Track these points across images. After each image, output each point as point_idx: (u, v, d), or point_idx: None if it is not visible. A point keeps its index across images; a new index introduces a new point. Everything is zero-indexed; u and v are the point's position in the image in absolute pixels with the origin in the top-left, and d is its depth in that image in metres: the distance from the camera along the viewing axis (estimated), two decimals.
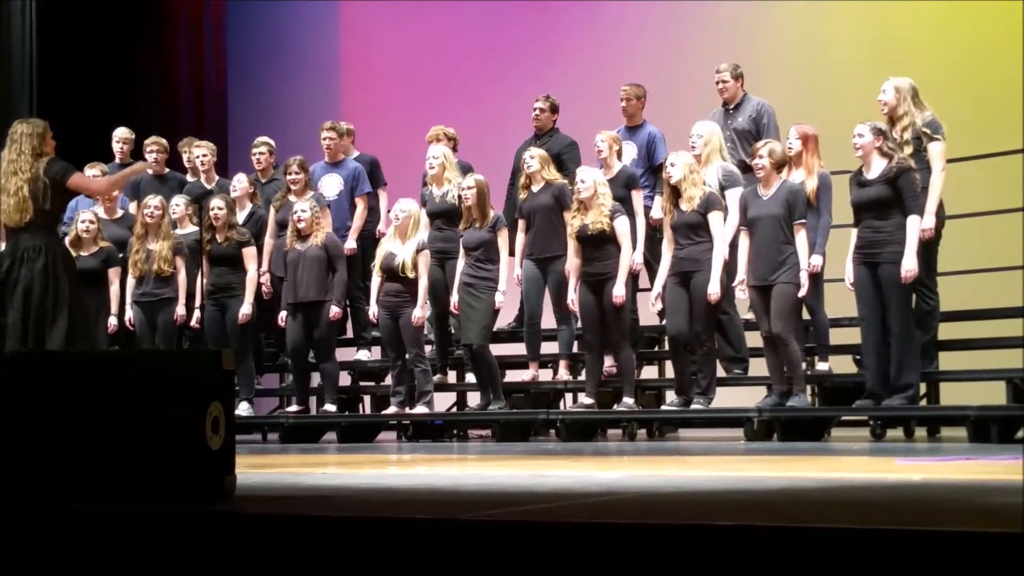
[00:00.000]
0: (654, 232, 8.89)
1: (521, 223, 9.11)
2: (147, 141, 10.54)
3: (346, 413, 9.88)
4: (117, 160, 10.60)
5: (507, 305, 9.29)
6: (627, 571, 2.64)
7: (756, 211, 7.96)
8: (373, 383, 10.37)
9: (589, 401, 8.64)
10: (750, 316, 8.59)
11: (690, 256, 8.23)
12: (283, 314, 9.58)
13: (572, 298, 8.63)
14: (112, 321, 9.52)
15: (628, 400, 8.53)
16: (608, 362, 8.80)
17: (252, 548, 3.06)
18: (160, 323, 9.53)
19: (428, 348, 9.52)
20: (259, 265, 9.69)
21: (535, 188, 9.01)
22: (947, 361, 8.54)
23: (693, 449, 7.85)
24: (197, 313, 9.48)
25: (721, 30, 11.61)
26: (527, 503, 3.54)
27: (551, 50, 12.45)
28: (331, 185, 10.03)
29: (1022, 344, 8.04)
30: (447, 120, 10.24)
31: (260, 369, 10.25)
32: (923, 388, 8.09)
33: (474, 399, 9.48)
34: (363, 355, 10.26)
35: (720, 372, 8.56)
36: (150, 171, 10.31)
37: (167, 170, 10.56)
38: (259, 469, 5.48)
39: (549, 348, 9.33)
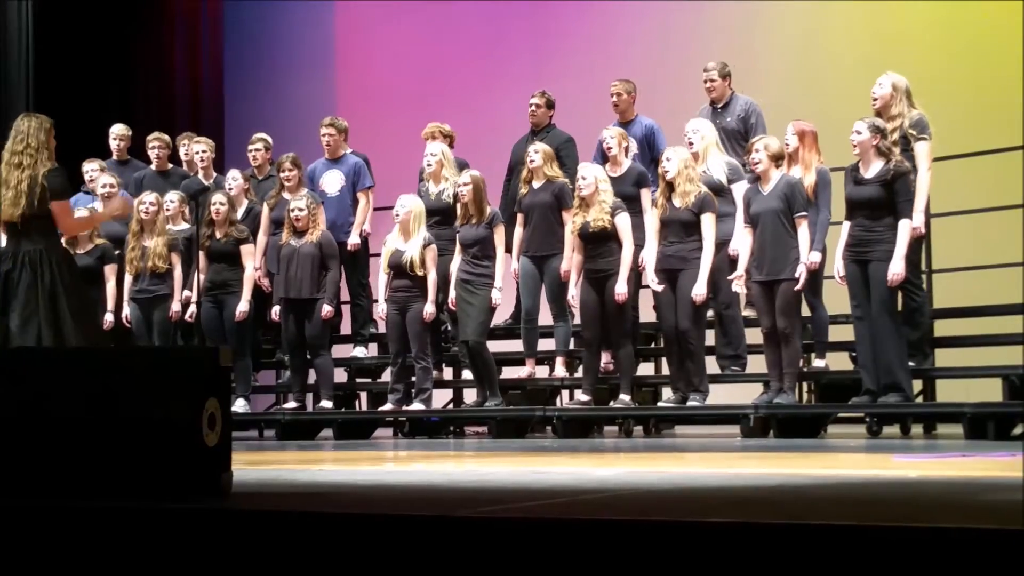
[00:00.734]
0: None
1: (519, 218, 9.12)
2: (149, 137, 10.54)
3: (343, 410, 9.89)
4: (114, 156, 10.60)
5: (504, 302, 9.29)
6: (624, 568, 2.64)
7: (757, 207, 7.97)
8: (370, 380, 10.37)
9: (586, 398, 8.64)
10: (748, 313, 8.59)
11: (677, 254, 8.23)
12: (276, 308, 9.58)
13: (572, 294, 8.62)
14: (108, 318, 9.51)
15: (625, 397, 8.54)
16: (605, 358, 8.80)
17: (249, 545, 3.06)
18: (156, 320, 9.53)
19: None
20: (255, 262, 9.68)
21: (536, 184, 9.01)
22: (943, 358, 8.56)
23: (690, 446, 7.86)
24: (192, 308, 9.48)
25: (717, 27, 11.62)
26: (524, 500, 3.54)
27: (547, 46, 12.45)
28: (332, 181, 10.02)
29: (1018, 341, 8.05)
30: (443, 117, 10.24)
31: (256, 366, 10.25)
32: (919, 385, 8.09)
33: (471, 396, 9.49)
34: (360, 352, 10.26)
35: (717, 369, 8.56)
36: (152, 166, 10.33)
37: (170, 166, 10.56)
38: (256, 466, 5.48)
39: (546, 345, 9.33)
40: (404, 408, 9.24)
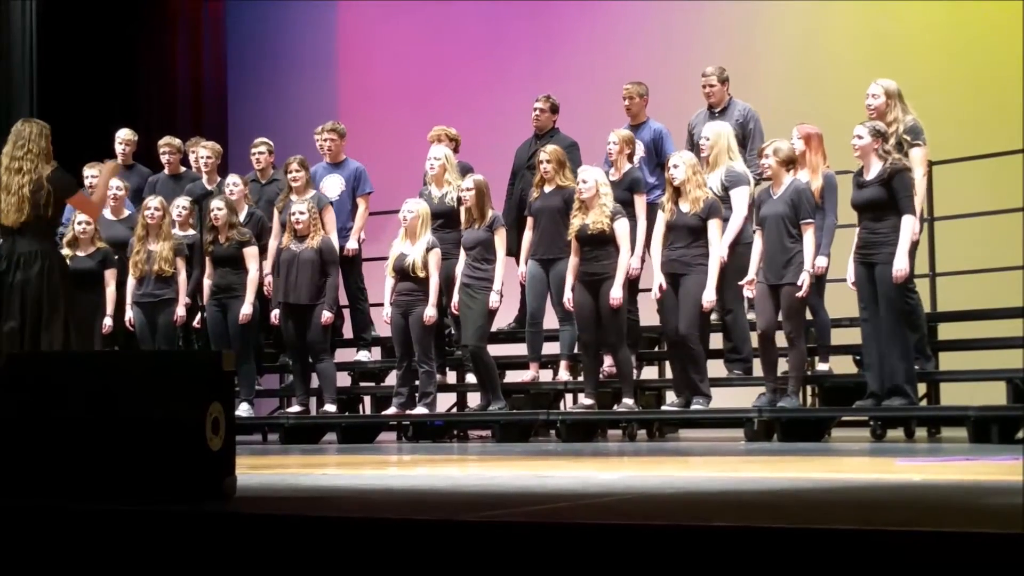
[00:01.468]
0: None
1: (529, 221, 9.11)
2: (160, 141, 10.55)
3: (346, 414, 9.88)
4: (119, 161, 10.59)
5: (508, 305, 9.28)
6: (628, 572, 2.64)
7: (765, 211, 7.98)
8: (373, 384, 10.37)
9: (589, 402, 8.64)
10: (752, 316, 8.58)
11: (681, 258, 8.23)
12: (275, 312, 9.58)
13: (568, 296, 8.63)
14: (107, 322, 9.51)
15: (628, 401, 8.54)
16: (608, 362, 8.80)
17: (252, 549, 3.06)
18: (160, 324, 9.53)
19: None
20: (260, 265, 9.68)
21: (547, 189, 9.01)
22: (947, 361, 8.55)
23: (693, 450, 7.85)
24: (199, 314, 9.48)
25: (719, 30, 11.62)
26: (527, 504, 3.54)
27: (551, 49, 12.45)
28: (332, 186, 10.02)
29: (1022, 344, 8.04)
30: (446, 120, 10.24)
31: (260, 370, 10.25)
32: (923, 388, 8.09)
33: (474, 400, 9.49)
34: (363, 356, 10.26)
35: (722, 372, 8.55)
36: (165, 170, 10.34)
37: (183, 169, 10.55)
38: (259, 470, 5.48)
39: (551, 348, 9.33)
40: (408, 412, 9.24)
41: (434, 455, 7.62)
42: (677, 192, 8.24)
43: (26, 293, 6.55)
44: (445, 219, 9.40)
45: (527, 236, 9.12)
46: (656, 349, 9.63)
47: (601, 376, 8.78)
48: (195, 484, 3.66)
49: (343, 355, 10.16)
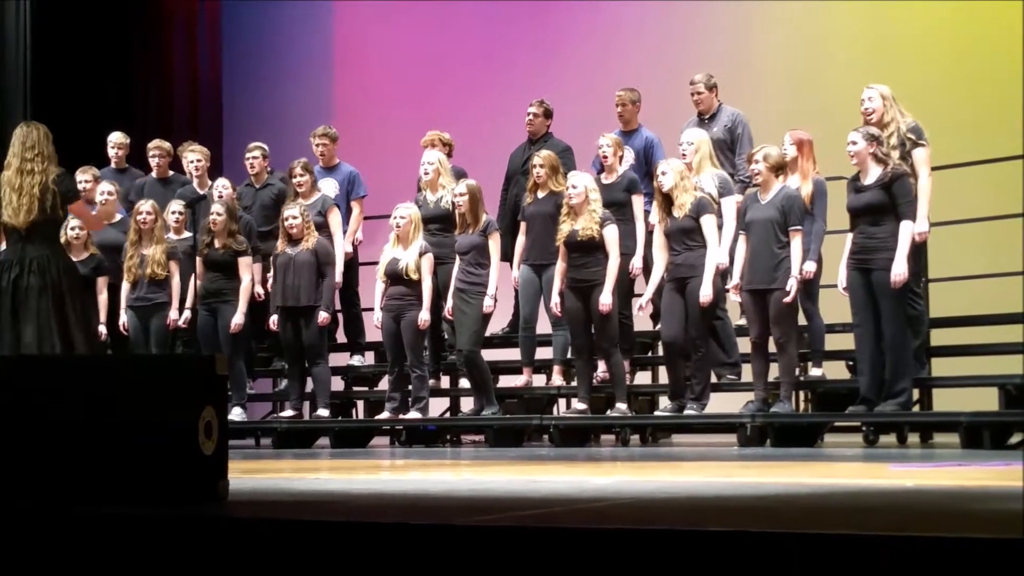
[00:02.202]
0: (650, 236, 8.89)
1: (522, 226, 9.12)
2: (150, 145, 10.52)
3: (339, 418, 9.88)
4: (112, 165, 10.58)
5: (502, 310, 9.28)
6: None
7: (752, 215, 7.99)
8: (367, 388, 10.37)
9: (582, 406, 8.65)
10: (741, 322, 8.60)
11: (686, 262, 8.24)
12: (273, 317, 9.58)
13: (555, 301, 8.63)
14: (100, 329, 9.50)
15: (621, 406, 8.54)
16: (601, 367, 8.81)
17: (245, 553, 3.06)
18: (153, 327, 9.53)
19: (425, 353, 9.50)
20: (252, 274, 9.67)
21: (540, 194, 9.01)
22: (940, 367, 8.57)
23: (686, 455, 7.86)
24: (187, 314, 9.48)
25: (716, 35, 11.63)
26: (520, 508, 3.54)
27: (546, 54, 12.46)
28: (327, 189, 10.02)
29: (1015, 350, 8.06)
30: (441, 123, 10.24)
31: (252, 374, 10.24)
32: (916, 394, 8.10)
33: (467, 404, 9.48)
34: (357, 360, 10.26)
35: (713, 378, 8.56)
36: (153, 173, 10.34)
37: (171, 173, 10.54)
38: (252, 474, 5.48)
39: (544, 353, 9.33)
40: (401, 416, 9.24)
41: (427, 459, 7.62)
42: (667, 200, 8.25)
43: (44, 298, 6.55)
44: (440, 224, 9.40)
45: (519, 241, 9.13)
46: (649, 354, 9.63)
47: (594, 381, 8.79)
48: (188, 488, 3.65)
49: (336, 359, 10.16)
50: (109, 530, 3.24)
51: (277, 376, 10.44)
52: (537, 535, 2.86)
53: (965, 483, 4.45)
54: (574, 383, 8.98)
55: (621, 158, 9.09)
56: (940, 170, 8.62)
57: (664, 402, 8.66)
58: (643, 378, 9.60)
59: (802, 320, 8.22)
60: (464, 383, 9.53)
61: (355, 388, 10.40)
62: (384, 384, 9.66)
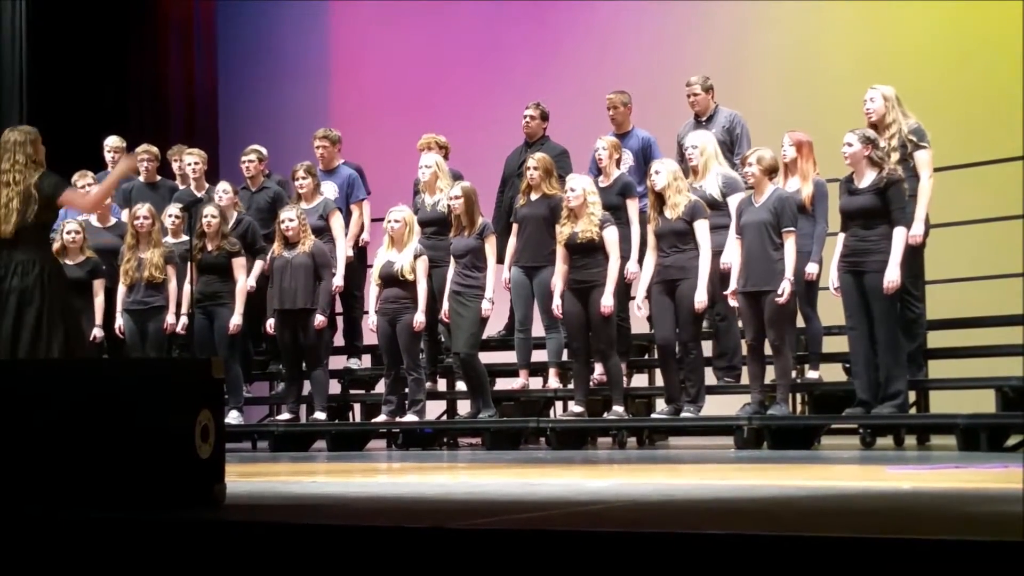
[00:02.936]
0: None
1: (514, 228, 9.12)
2: (138, 149, 10.49)
3: (336, 421, 9.87)
4: (109, 168, 10.56)
5: (497, 313, 9.28)
6: None
7: (747, 218, 7.99)
8: (363, 391, 10.36)
9: (579, 409, 8.64)
10: (742, 324, 8.59)
11: (676, 264, 8.23)
12: (271, 321, 9.58)
13: (557, 304, 8.63)
14: (96, 332, 9.49)
15: (618, 408, 8.53)
16: (598, 370, 8.81)
17: (242, 556, 3.05)
18: (150, 331, 9.52)
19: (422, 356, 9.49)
20: (248, 275, 9.66)
21: (533, 196, 9.01)
22: (937, 369, 8.56)
23: (683, 457, 7.85)
24: (184, 320, 9.47)
25: (712, 37, 11.63)
26: (517, 511, 3.53)
27: (543, 57, 12.46)
28: (326, 192, 10.00)
29: (1011, 352, 8.06)
30: (437, 126, 10.23)
31: (249, 377, 10.23)
32: (913, 396, 8.10)
33: (464, 407, 9.48)
34: (354, 363, 10.26)
35: (711, 380, 8.56)
36: (140, 177, 10.30)
37: (159, 177, 10.53)
38: (249, 477, 5.47)
39: (539, 356, 9.33)
40: (397, 420, 9.23)
41: (424, 463, 7.62)
42: (660, 199, 8.25)
43: (25, 300, 6.53)
44: (438, 227, 9.40)
45: (511, 243, 9.12)
46: (646, 357, 9.63)
47: (591, 383, 8.78)
48: (185, 491, 3.65)
49: (333, 362, 10.14)
50: (105, 534, 3.23)
51: (274, 379, 10.43)
52: (534, 538, 2.85)
53: (962, 485, 4.45)
54: (571, 385, 8.98)
55: (618, 161, 9.09)
56: (938, 171, 8.62)
57: (661, 405, 8.66)
58: (640, 381, 9.60)
59: (800, 323, 8.22)
60: (461, 386, 9.52)
61: (352, 391, 10.39)
62: (381, 387, 9.65)
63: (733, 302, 8.18)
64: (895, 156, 7.76)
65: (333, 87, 13.75)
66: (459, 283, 8.96)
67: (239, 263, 9.59)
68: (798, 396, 8.66)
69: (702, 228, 8.19)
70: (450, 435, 9.81)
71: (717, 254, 8.33)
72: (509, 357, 9.45)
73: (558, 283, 8.63)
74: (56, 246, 9.22)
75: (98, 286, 9.57)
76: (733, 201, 8.43)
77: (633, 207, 8.91)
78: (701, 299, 8.12)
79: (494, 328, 9.69)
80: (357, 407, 10.32)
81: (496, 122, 11.34)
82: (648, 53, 11.85)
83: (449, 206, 9.11)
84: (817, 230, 8.12)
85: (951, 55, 10.66)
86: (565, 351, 9.17)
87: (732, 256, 8.18)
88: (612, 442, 8.98)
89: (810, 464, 6.45)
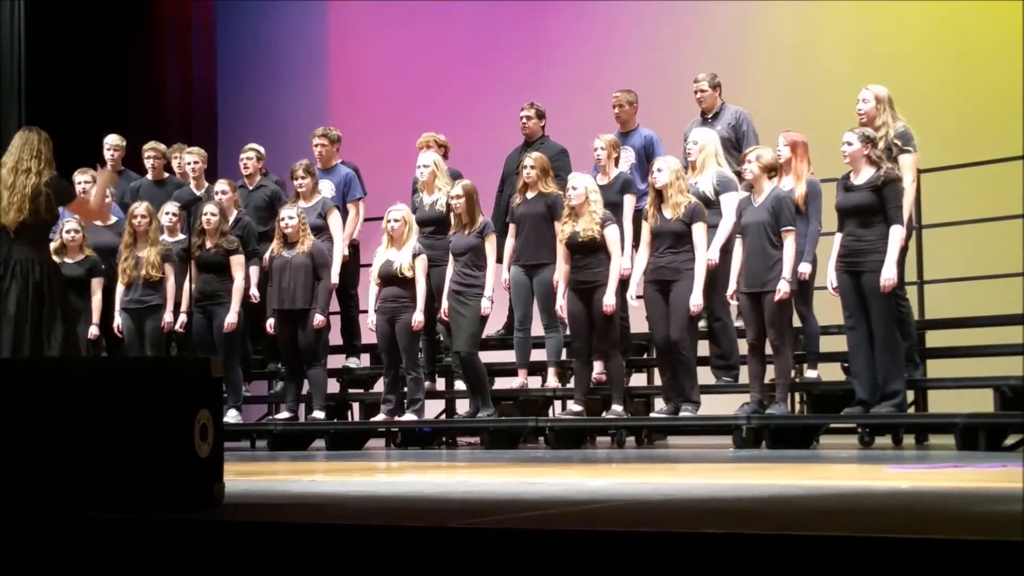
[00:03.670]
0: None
1: (512, 228, 9.12)
2: (145, 147, 10.50)
3: (335, 420, 9.87)
4: (108, 167, 10.55)
5: (496, 312, 9.28)
6: None
7: (747, 218, 8.00)
8: (362, 390, 10.36)
9: (578, 408, 8.64)
10: (740, 324, 8.60)
11: (670, 265, 8.23)
12: (270, 321, 9.57)
13: (560, 304, 8.63)
14: (93, 330, 9.49)
15: (617, 407, 8.53)
16: (597, 369, 8.80)
17: (241, 556, 3.05)
18: (148, 330, 9.52)
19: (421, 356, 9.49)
20: (246, 273, 9.66)
21: (530, 195, 9.02)
22: (935, 369, 8.57)
23: (682, 456, 7.86)
24: (183, 318, 9.47)
25: (710, 37, 11.63)
26: (516, 511, 3.54)
27: (541, 56, 12.46)
28: (324, 191, 10.00)
29: (1009, 352, 8.07)
30: (436, 126, 10.23)
31: (248, 376, 10.23)
32: (911, 396, 8.11)
33: (463, 406, 9.48)
34: (352, 362, 10.26)
35: (709, 379, 8.56)
36: (148, 175, 10.31)
37: (166, 175, 10.51)
38: (248, 476, 5.48)
39: (538, 355, 9.33)
40: (396, 419, 9.23)
41: (422, 462, 7.62)
42: (660, 197, 8.25)
43: (23, 299, 6.54)
44: (437, 226, 9.40)
45: (509, 242, 9.12)
46: (645, 356, 9.63)
47: (590, 383, 8.78)
48: (183, 491, 3.65)
49: (332, 361, 10.14)
50: (104, 534, 3.23)
51: (272, 378, 10.43)
52: (533, 537, 2.86)
53: (961, 485, 4.46)
54: (570, 385, 8.98)
55: (617, 160, 9.09)
56: (936, 172, 8.64)
57: (660, 404, 8.66)
58: (639, 380, 9.60)
59: (796, 322, 8.22)
60: (459, 385, 9.52)
61: (351, 390, 10.39)
62: (379, 386, 9.65)
63: (733, 303, 8.18)
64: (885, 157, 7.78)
65: (331, 86, 13.75)
66: (459, 282, 8.96)
67: (237, 261, 9.58)
68: (796, 396, 8.66)
69: (700, 231, 8.19)
70: (449, 434, 9.81)
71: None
72: (508, 356, 9.45)
73: (560, 283, 8.63)
74: (55, 244, 9.23)
75: (96, 285, 9.57)
76: (725, 200, 8.44)
77: (629, 202, 8.91)
78: (696, 302, 8.12)
79: (493, 327, 9.69)
80: (356, 406, 10.32)
81: (495, 122, 11.33)
82: (647, 52, 11.85)
83: (449, 204, 9.11)
84: (810, 229, 8.12)
85: (949, 55, 10.66)
86: (564, 350, 9.17)
87: (715, 253, 8.20)
88: (611, 441, 8.98)
89: (808, 463, 6.46)
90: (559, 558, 2.72)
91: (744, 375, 8.34)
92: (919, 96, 9.50)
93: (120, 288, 9.56)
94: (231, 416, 9.47)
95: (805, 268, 8.03)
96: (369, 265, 9.66)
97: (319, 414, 9.56)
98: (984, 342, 8.48)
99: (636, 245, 8.85)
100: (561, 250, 8.62)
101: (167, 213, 9.76)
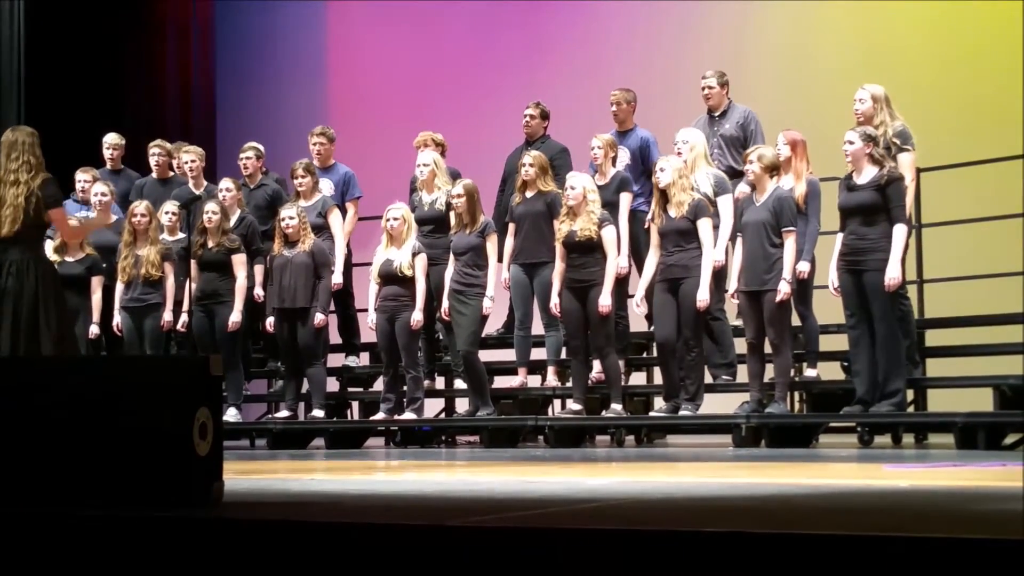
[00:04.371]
0: (642, 234, 8.88)
1: (511, 227, 9.12)
2: (150, 145, 10.49)
3: (334, 419, 9.87)
4: (108, 166, 10.56)
5: (496, 311, 9.28)
6: None
7: (747, 217, 8.00)
8: (362, 389, 10.36)
9: (577, 407, 8.64)
10: (738, 323, 8.60)
11: (679, 263, 8.23)
12: (270, 320, 9.57)
13: (555, 302, 8.63)
14: (93, 329, 9.49)
15: (616, 406, 8.53)
16: (597, 368, 8.81)
17: (240, 554, 3.05)
18: (148, 329, 9.51)
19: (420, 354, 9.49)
20: (247, 272, 9.66)
21: (529, 194, 9.02)
22: (935, 368, 8.57)
23: (681, 455, 7.86)
24: (184, 317, 9.46)
25: (709, 36, 11.64)
26: (515, 509, 3.54)
27: (541, 55, 12.46)
28: (323, 190, 9.99)
29: (1009, 351, 8.07)
30: (436, 126, 10.23)
31: (248, 375, 10.23)
32: (911, 395, 8.11)
33: (463, 405, 9.48)
34: (352, 361, 10.26)
35: (708, 378, 8.56)
36: (153, 174, 10.31)
37: (171, 173, 10.50)
38: (247, 475, 5.48)
39: (538, 354, 9.33)
40: (396, 417, 9.23)
41: (422, 460, 7.62)
42: (664, 197, 8.25)
43: (18, 300, 6.54)
44: (435, 225, 9.40)
45: (508, 241, 9.12)
46: (644, 355, 9.63)
47: (589, 382, 8.79)
48: (183, 489, 3.65)
49: (331, 360, 10.14)
50: (103, 532, 3.23)
51: (272, 377, 10.43)
52: (532, 536, 2.86)
53: (960, 484, 4.46)
54: (569, 384, 8.98)
55: (614, 159, 9.09)
56: (936, 171, 8.64)
57: (659, 403, 8.66)
58: (638, 379, 9.60)
59: (795, 321, 8.22)
60: (459, 384, 9.52)
61: (350, 389, 10.39)
62: (379, 385, 9.65)
63: (734, 301, 8.18)
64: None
65: (330, 85, 13.75)
66: (460, 281, 8.96)
67: (239, 260, 9.58)
68: (796, 394, 8.66)
69: (705, 226, 8.19)
70: (448, 433, 9.81)
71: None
72: (508, 355, 9.45)
73: (556, 281, 8.64)
74: (57, 242, 9.23)
75: (96, 283, 9.57)
76: (722, 202, 8.45)
77: (625, 201, 8.91)
78: (703, 298, 8.13)
79: (493, 326, 9.69)
80: (355, 405, 10.31)
81: (495, 121, 11.34)
82: (647, 52, 11.85)
83: (450, 203, 9.11)
84: (809, 228, 8.12)
85: (949, 54, 10.66)
86: (564, 349, 9.17)
87: (720, 255, 8.22)
88: (610, 440, 8.98)
89: (808, 462, 6.46)
90: (559, 557, 2.72)
91: (743, 374, 8.35)
92: (919, 94, 9.51)
93: (120, 287, 9.55)
94: (231, 415, 9.47)
95: (804, 267, 8.03)
96: (362, 264, 9.66)
97: (319, 413, 9.56)
98: (984, 341, 8.48)
99: (631, 244, 8.86)
100: (558, 249, 8.62)
101: (167, 212, 9.76)
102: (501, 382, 9.52)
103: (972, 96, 10.33)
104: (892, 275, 7.51)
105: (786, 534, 2.64)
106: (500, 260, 9.16)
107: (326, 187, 10.02)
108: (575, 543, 2.76)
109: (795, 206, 7.99)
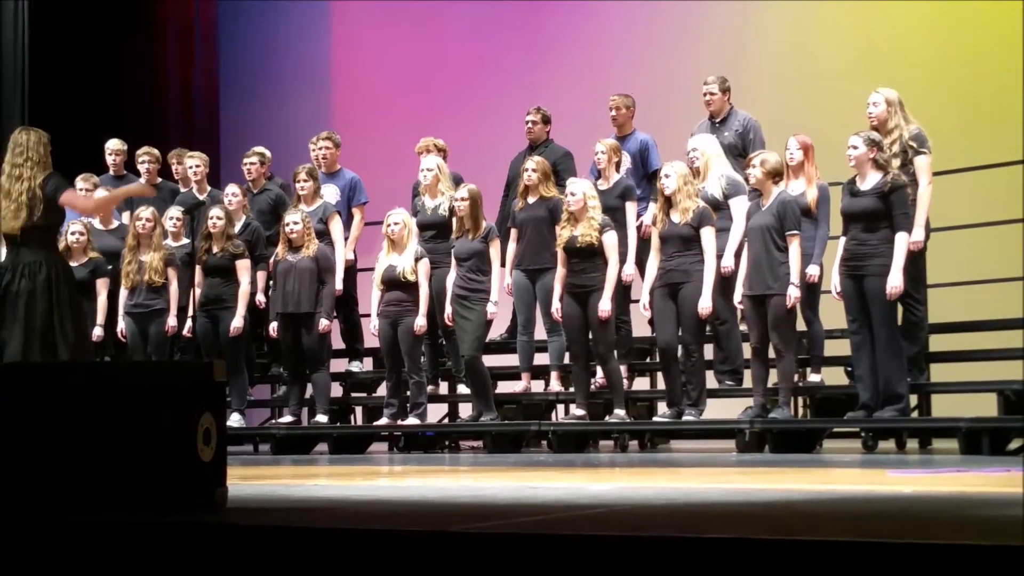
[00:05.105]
0: (645, 243, 8.88)
1: (513, 232, 9.12)
2: (139, 151, 10.51)
3: (338, 424, 9.87)
4: (111, 172, 10.57)
5: (499, 316, 9.28)
6: None
7: (752, 222, 7.99)
8: (365, 394, 10.36)
9: (581, 412, 8.64)
10: (744, 328, 8.59)
11: (679, 268, 8.24)
12: (273, 324, 9.58)
13: (556, 307, 8.64)
14: (97, 331, 9.50)
15: (619, 411, 8.53)
16: (599, 373, 8.81)
17: (244, 560, 3.05)
18: (152, 334, 9.53)
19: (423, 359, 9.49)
20: (251, 278, 9.66)
21: (531, 199, 9.02)
22: (939, 373, 8.56)
23: (685, 461, 7.85)
24: (189, 323, 9.47)
25: (709, 38, 11.65)
26: (519, 515, 3.53)
27: (542, 56, 12.47)
28: (329, 195, 9.99)
29: (1013, 356, 8.06)
30: (439, 131, 10.24)
31: (251, 380, 10.23)
32: (915, 400, 8.10)
33: (466, 410, 9.47)
34: (355, 366, 10.26)
35: (712, 383, 8.56)
36: (141, 179, 10.29)
37: (159, 179, 10.53)
38: (251, 481, 5.47)
39: (541, 359, 9.33)
40: (399, 423, 9.23)
41: (425, 466, 7.62)
42: (668, 203, 8.26)
43: (32, 301, 6.54)
44: (439, 229, 9.40)
45: (511, 247, 9.12)
46: (647, 360, 9.63)
47: (592, 387, 8.78)
48: (186, 495, 3.65)
49: (335, 365, 10.15)
50: (107, 537, 3.23)
51: (275, 382, 10.43)
52: (536, 542, 2.85)
53: (964, 489, 4.45)
54: (572, 389, 8.98)
55: (618, 164, 9.10)
56: (938, 175, 8.62)
57: (662, 408, 8.65)
58: (641, 384, 9.59)
59: (801, 326, 8.21)
60: (462, 389, 9.52)
61: (353, 394, 10.40)
62: (382, 390, 9.66)
63: (740, 307, 8.18)
64: (896, 162, 7.75)
65: (334, 90, 13.76)
66: (463, 287, 8.96)
67: (243, 265, 9.59)
68: (800, 399, 8.65)
69: (708, 235, 8.19)
70: (452, 438, 9.81)
71: (718, 256, 8.34)
72: (511, 360, 9.45)
73: (557, 286, 8.64)
74: (60, 247, 9.23)
75: (101, 285, 9.59)
76: (735, 203, 8.43)
77: (631, 209, 8.91)
78: (705, 305, 8.13)
79: (496, 331, 9.69)
80: (359, 410, 10.32)
81: (498, 125, 11.35)
82: (648, 56, 11.86)
83: (452, 208, 9.11)
84: (819, 233, 8.12)
85: (951, 57, 10.66)
86: (567, 354, 9.17)
87: (731, 259, 8.20)
88: (614, 445, 8.98)
89: (811, 468, 6.45)
90: (562, 563, 2.72)
91: (747, 379, 8.34)
92: (923, 98, 9.49)
93: (123, 292, 9.57)
94: (234, 420, 9.47)
95: (813, 271, 8.02)
96: (366, 269, 9.66)
97: (322, 418, 9.56)
98: (988, 346, 8.48)
99: (637, 252, 8.86)
100: (559, 254, 8.63)
101: (171, 218, 9.77)
102: (504, 387, 9.52)
103: (978, 100, 10.33)
104: (894, 284, 7.50)
105: (789, 540, 2.64)
106: (503, 265, 9.16)
107: (332, 192, 10.02)
108: (578, 549, 2.75)
109: (799, 211, 7.97)
